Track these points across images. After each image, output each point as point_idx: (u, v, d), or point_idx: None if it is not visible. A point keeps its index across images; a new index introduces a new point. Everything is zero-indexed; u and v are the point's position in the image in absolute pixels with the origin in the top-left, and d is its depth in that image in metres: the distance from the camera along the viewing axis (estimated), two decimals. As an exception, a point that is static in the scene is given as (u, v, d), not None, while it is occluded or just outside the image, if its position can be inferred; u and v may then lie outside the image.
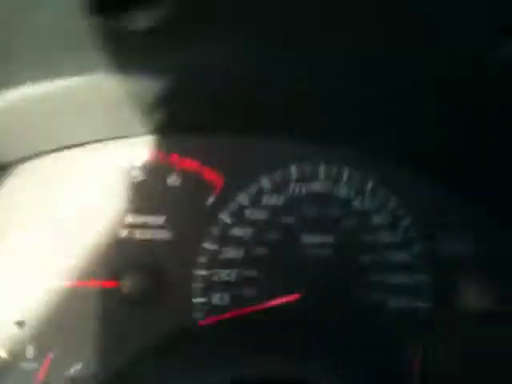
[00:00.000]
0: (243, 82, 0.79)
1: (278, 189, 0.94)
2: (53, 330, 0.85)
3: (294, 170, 0.95)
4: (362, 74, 0.76)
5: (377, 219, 0.96)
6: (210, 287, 0.90)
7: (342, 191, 0.96)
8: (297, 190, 0.95)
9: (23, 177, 0.88)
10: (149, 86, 0.75)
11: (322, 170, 0.96)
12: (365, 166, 0.97)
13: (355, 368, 0.75)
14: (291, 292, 0.90)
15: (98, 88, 0.74)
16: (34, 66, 0.69)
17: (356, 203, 0.97)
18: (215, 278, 0.90)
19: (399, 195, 0.97)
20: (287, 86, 0.81)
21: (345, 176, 0.97)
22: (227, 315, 0.89)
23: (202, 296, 0.90)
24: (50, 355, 0.84)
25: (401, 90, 0.78)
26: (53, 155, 0.89)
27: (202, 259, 0.90)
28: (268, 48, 0.71)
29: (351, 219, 0.95)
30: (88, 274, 0.87)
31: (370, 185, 0.97)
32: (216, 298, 0.90)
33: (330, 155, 0.97)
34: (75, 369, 0.84)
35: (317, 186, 0.96)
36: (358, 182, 0.97)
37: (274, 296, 0.90)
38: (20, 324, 0.83)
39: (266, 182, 0.94)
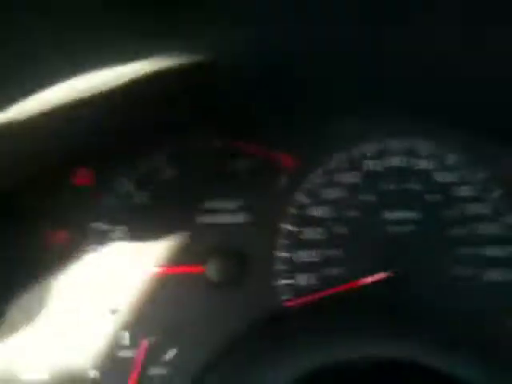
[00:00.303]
0: (316, 57, 0.78)
1: (354, 166, 0.92)
2: (146, 317, 0.86)
3: (367, 145, 0.93)
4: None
5: (463, 192, 0.92)
6: (293, 269, 0.88)
7: (422, 164, 0.93)
8: (374, 166, 0.92)
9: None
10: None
11: (399, 144, 0.93)
12: (444, 138, 0.94)
13: (454, 346, 0.71)
14: (378, 270, 0.87)
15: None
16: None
17: (438, 176, 0.93)
18: (298, 260, 0.89)
19: (486, 166, 0.93)
20: (362, 60, 0.79)
21: (424, 149, 0.93)
22: (314, 296, 0.86)
23: (286, 278, 0.88)
24: (145, 342, 0.85)
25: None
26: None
27: (283, 241, 0.89)
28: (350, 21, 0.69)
29: (435, 193, 0.91)
30: (175, 260, 0.87)
31: (452, 157, 0.93)
32: (301, 279, 0.88)
33: (407, 129, 0.94)
34: (170, 354, 0.85)
35: (395, 161, 0.93)
36: (437, 156, 0.93)
37: (360, 275, 0.87)
38: (114, 312, 0.85)
39: (341, 160, 0.92)
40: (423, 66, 0.80)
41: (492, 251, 0.90)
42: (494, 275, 0.89)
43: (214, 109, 0.87)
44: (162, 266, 0.86)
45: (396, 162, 0.93)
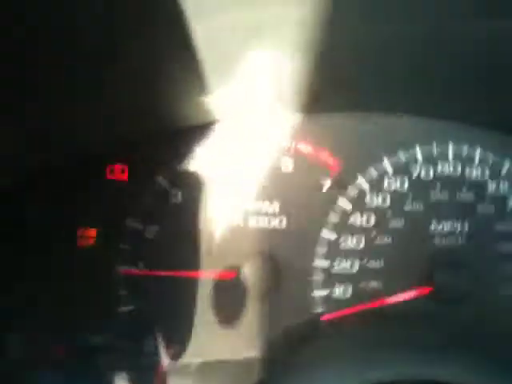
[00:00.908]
0: (365, 57, 0.71)
1: (401, 172, 0.86)
2: (172, 322, 0.83)
3: (419, 150, 0.86)
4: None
5: None
6: (330, 279, 0.84)
7: (475, 173, 0.86)
8: (423, 173, 0.86)
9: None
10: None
11: (451, 150, 0.87)
12: (500, 145, 0.87)
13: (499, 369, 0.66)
14: (420, 285, 0.83)
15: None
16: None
17: (491, 186, 0.86)
18: (336, 270, 0.84)
19: None
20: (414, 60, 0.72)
21: (477, 157, 0.87)
22: (351, 310, 0.82)
23: (323, 288, 0.84)
24: (170, 347, 0.82)
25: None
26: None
27: (321, 249, 0.84)
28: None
29: (487, 204, 0.85)
30: (206, 264, 0.83)
31: (506, 166, 0.86)
32: (338, 291, 0.84)
33: (460, 134, 0.87)
34: (196, 362, 0.82)
35: (446, 169, 0.86)
36: (492, 164, 0.87)
37: (400, 289, 0.83)
38: (140, 316, 0.82)
39: (387, 165, 0.86)
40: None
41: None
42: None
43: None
44: (193, 268, 0.83)
45: (447, 169, 0.86)
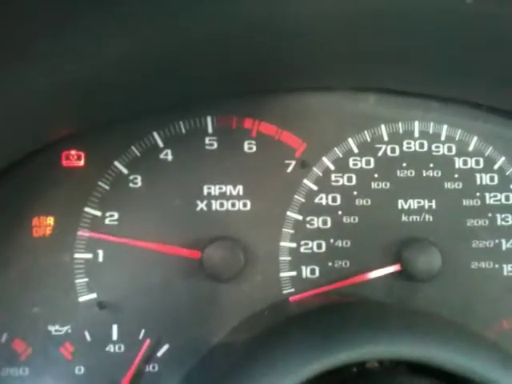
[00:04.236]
0: (331, 34, 0.69)
1: (367, 151, 0.85)
2: (137, 310, 0.80)
3: (384, 129, 0.85)
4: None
5: (484, 180, 0.85)
6: (298, 260, 0.82)
7: (442, 150, 0.85)
8: (389, 152, 0.85)
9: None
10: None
11: (417, 127, 0.85)
12: (468, 121, 0.86)
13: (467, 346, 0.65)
14: (388, 264, 0.81)
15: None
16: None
17: (459, 163, 0.85)
18: (303, 250, 0.83)
19: (507, 154, 0.86)
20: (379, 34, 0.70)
21: (444, 133, 0.86)
22: (319, 290, 0.81)
23: (290, 269, 0.82)
24: (137, 337, 0.79)
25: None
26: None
27: (287, 230, 0.83)
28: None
29: (454, 181, 0.84)
30: (168, 249, 0.81)
31: (474, 142, 0.86)
32: (306, 272, 0.82)
33: (426, 111, 0.86)
34: (163, 350, 0.80)
35: (412, 146, 0.85)
36: (460, 140, 0.86)
37: (368, 268, 0.82)
38: (102, 305, 0.79)
39: (352, 144, 0.85)
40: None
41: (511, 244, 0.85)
42: (512, 268, 0.84)
43: (219, 82, 0.80)
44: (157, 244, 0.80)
45: (414, 147, 0.85)
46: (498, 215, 0.85)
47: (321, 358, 0.55)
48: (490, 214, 0.85)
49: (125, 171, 0.81)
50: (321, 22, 0.64)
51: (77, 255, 0.80)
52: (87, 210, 0.80)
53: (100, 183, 0.81)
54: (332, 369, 0.56)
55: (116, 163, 0.81)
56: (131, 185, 0.81)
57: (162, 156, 0.82)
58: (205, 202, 0.82)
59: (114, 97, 0.76)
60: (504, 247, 0.85)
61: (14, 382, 0.78)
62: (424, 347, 0.58)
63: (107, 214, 0.81)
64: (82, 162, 0.81)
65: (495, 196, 0.85)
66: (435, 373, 0.60)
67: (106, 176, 0.81)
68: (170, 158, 0.82)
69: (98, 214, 0.80)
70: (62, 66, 0.62)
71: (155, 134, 0.82)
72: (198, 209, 0.82)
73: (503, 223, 0.85)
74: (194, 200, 0.82)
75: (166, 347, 0.80)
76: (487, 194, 0.85)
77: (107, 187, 0.81)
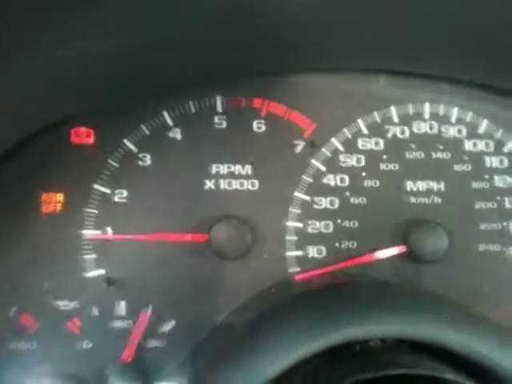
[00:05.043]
0: (339, 16, 0.68)
1: (376, 132, 0.84)
2: (145, 287, 0.81)
3: (394, 110, 0.85)
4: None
5: (493, 163, 0.85)
6: (304, 239, 0.83)
7: (452, 132, 0.85)
8: (399, 133, 0.85)
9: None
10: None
11: (427, 109, 0.85)
12: (478, 104, 0.85)
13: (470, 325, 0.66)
14: (395, 245, 0.82)
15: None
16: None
17: (468, 145, 0.85)
18: (310, 230, 0.83)
19: None
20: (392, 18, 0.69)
21: (454, 116, 0.85)
22: (325, 270, 0.81)
23: (297, 249, 0.83)
24: (143, 313, 0.80)
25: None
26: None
27: (295, 210, 0.83)
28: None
29: (463, 163, 0.84)
30: (177, 227, 0.81)
31: (484, 125, 0.85)
32: (312, 252, 0.83)
33: (436, 93, 0.85)
34: (170, 326, 0.81)
35: (422, 128, 0.85)
36: (469, 123, 0.85)
37: (375, 249, 0.82)
38: (110, 281, 0.80)
39: (362, 125, 0.84)
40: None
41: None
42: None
43: (229, 63, 0.79)
44: (163, 233, 0.81)
45: (424, 128, 0.85)
46: (507, 198, 0.85)
47: (324, 335, 0.56)
48: (498, 197, 0.85)
49: (134, 149, 0.82)
50: (328, 3, 0.64)
51: (85, 231, 0.81)
52: (96, 187, 0.81)
53: (109, 161, 0.81)
54: (335, 346, 0.57)
55: (125, 141, 0.81)
56: (140, 163, 0.82)
57: (171, 135, 0.82)
58: (213, 180, 0.83)
59: (126, 77, 0.76)
60: (509, 230, 0.85)
61: (23, 355, 0.79)
62: (426, 327, 0.58)
63: (116, 192, 0.81)
64: (91, 140, 0.81)
65: (504, 179, 0.85)
66: (437, 351, 0.60)
67: (116, 154, 0.81)
68: (179, 136, 0.82)
69: (107, 191, 0.81)
70: (75, 45, 0.62)
71: (165, 113, 0.82)
72: (207, 187, 0.82)
73: (509, 206, 0.85)
74: (202, 179, 0.82)
75: (172, 323, 0.81)
76: (496, 177, 0.85)
77: (116, 165, 0.81)
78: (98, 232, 0.81)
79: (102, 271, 0.81)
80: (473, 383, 0.55)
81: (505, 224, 0.85)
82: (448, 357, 0.59)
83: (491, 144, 0.85)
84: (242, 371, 0.54)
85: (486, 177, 0.85)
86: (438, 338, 0.58)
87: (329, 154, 0.84)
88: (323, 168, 0.84)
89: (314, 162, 0.83)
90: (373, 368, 0.56)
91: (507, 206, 0.85)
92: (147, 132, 0.82)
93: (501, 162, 0.85)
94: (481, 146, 0.85)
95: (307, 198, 0.83)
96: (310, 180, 0.83)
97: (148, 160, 0.82)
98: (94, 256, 0.81)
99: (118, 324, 0.81)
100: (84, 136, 0.81)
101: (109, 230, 0.81)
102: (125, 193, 0.81)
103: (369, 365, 0.58)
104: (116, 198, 0.81)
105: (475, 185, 0.85)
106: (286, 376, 0.55)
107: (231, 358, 0.58)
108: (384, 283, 0.79)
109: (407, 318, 0.59)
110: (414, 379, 0.56)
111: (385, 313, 0.60)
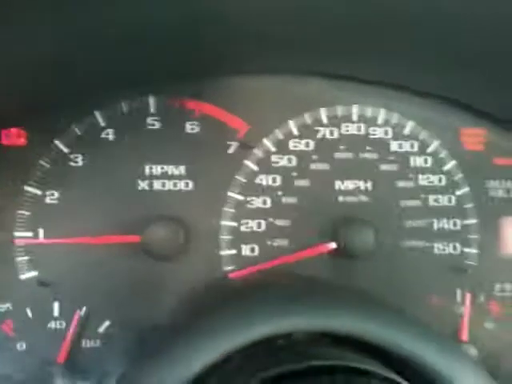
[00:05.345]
0: (274, 18, 0.70)
1: (306, 133, 0.87)
2: (79, 288, 0.82)
3: (323, 112, 0.88)
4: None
5: (418, 162, 0.89)
6: (238, 238, 0.85)
7: (379, 134, 0.89)
8: (328, 134, 0.88)
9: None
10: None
11: (355, 111, 0.89)
12: (404, 106, 0.90)
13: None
14: (325, 242, 0.85)
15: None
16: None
17: (394, 146, 0.89)
18: (243, 229, 0.85)
19: (442, 138, 0.90)
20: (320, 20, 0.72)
21: (381, 117, 0.89)
22: (258, 267, 0.84)
23: (231, 247, 0.85)
24: (78, 313, 0.81)
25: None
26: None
27: (228, 209, 0.85)
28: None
29: (389, 163, 0.88)
30: (110, 228, 0.82)
31: (409, 127, 0.89)
32: (246, 250, 0.85)
33: (364, 96, 0.89)
34: (104, 326, 0.82)
35: (350, 129, 0.88)
36: (396, 124, 0.90)
37: (306, 247, 0.85)
38: (43, 283, 0.80)
39: (293, 127, 0.87)
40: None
41: (443, 224, 0.90)
42: (444, 248, 0.89)
43: (163, 64, 0.80)
44: (96, 235, 0.81)
45: (352, 130, 0.88)
46: (430, 196, 0.90)
47: (243, 330, 0.58)
48: (422, 195, 0.89)
49: (65, 150, 0.82)
50: (261, 9, 0.66)
51: (17, 234, 0.80)
52: (27, 188, 0.81)
53: (41, 162, 0.81)
54: (258, 341, 0.59)
55: (57, 142, 0.81)
56: (72, 164, 0.82)
57: (103, 135, 0.83)
58: (146, 181, 0.84)
59: (55, 77, 0.76)
60: (435, 227, 0.90)
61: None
62: (345, 319, 0.61)
63: (47, 193, 0.81)
64: (22, 141, 0.81)
65: (428, 178, 0.90)
66: (360, 345, 0.63)
67: (47, 155, 0.81)
68: (111, 137, 0.83)
69: (39, 192, 0.81)
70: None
71: (97, 114, 0.83)
72: (140, 188, 0.83)
73: (435, 204, 0.90)
74: (136, 179, 0.83)
75: (107, 323, 0.82)
76: (420, 176, 0.89)
77: (48, 166, 0.81)
78: (30, 234, 0.80)
79: (34, 273, 0.81)
80: (394, 374, 0.58)
81: (429, 221, 0.90)
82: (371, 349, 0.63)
83: (416, 145, 0.90)
84: (161, 369, 0.56)
85: (411, 176, 0.89)
86: (358, 330, 0.61)
87: (261, 155, 0.86)
88: (256, 168, 0.86)
89: (246, 162, 0.86)
90: (290, 362, 0.58)
91: (431, 203, 0.90)
92: (79, 132, 0.82)
93: (425, 161, 0.90)
94: (406, 146, 0.89)
95: (241, 197, 0.86)
96: (244, 180, 0.86)
97: (80, 161, 0.82)
98: (26, 258, 0.80)
99: (52, 325, 0.81)
100: (15, 137, 0.80)
101: (41, 231, 0.81)
102: (56, 194, 0.81)
103: (287, 358, 0.60)
104: (47, 200, 0.81)
105: (401, 184, 0.89)
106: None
107: (153, 356, 0.59)
108: (310, 278, 0.83)
109: (326, 311, 0.62)
110: (332, 371, 0.58)
111: (304, 306, 0.63)
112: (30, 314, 0.81)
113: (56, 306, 0.81)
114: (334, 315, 0.62)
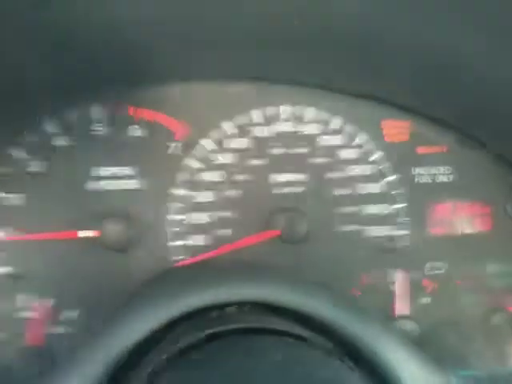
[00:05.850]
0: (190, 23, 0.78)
1: (240, 133, 0.97)
2: (46, 280, 0.90)
3: (254, 113, 0.97)
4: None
5: (345, 154, 0.98)
6: (186, 230, 0.94)
7: (307, 130, 0.98)
8: (260, 133, 0.97)
9: None
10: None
11: (284, 111, 0.98)
12: (331, 104, 0.99)
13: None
14: (265, 230, 0.94)
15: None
16: None
17: (322, 140, 0.98)
18: (189, 221, 0.94)
19: (367, 131, 0.99)
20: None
21: (309, 115, 0.99)
22: (204, 256, 0.93)
23: (179, 239, 0.94)
24: (46, 303, 0.90)
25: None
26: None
27: (174, 204, 0.94)
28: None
29: (318, 156, 0.98)
30: (70, 226, 0.90)
31: (335, 122, 0.99)
32: (192, 241, 0.94)
33: (291, 95, 0.98)
34: (65, 316, 0.90)
35: (281, 127, 0.98)
36: (323, 121, 0.99)
37: (248, 235, 0.94)
38: (12, 276, 0.89)
39: (227, 127, 0.96)
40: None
41: (373, 209, 0.99)
42: (375, 231, 0.98)
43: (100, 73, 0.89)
44: (55, 229, 0.90)
45: (283, 127, 0.98)
46: (360, 185, 0.99)
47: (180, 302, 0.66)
48: (352, 184, 0.98)
49: (18, 156, 0.90)
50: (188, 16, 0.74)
51: None
52: None
53: (1, 166, 0.89)
54: (192, 315, 0.66)
55: (11, 148, 0.90)
56: (28, 169, 0.90)
57: (53, 141, 0.91)
58: (97, 182, 0.92)
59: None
60: (364, 212, 0.99)
61: None
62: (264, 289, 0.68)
63: (5, 196, 0.90)
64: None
65: (356, 168, 0.99)
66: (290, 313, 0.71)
67: (2, 160, 0.89)
68: (60, 143, 0.91)
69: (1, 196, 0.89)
70: None
71: (46, 120, 0.91)
72: (91, 189, 0.92)
73: (363, 192, 0.99)
74: (87, 181, 0.92)
75: (75, 312, 0.91)
76: (348, 167, 0.99)
77: (4, 171, 0.89)
78: None
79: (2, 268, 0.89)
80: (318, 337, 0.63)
81: (359, 207, 0.99)
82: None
83: (343, 138, 0.99)
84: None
85: (341, 167, 0.99)
86: (281, 299, 0.68)
87: (201, 154, 0.95)
88: (197, 166, 0.95)
89: (187, 160, 0.95)
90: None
91: (360, 191, 0.99)
92: (31, 139, 0.91)
93: (352, 153, 0.99)
94: (334, 140, 0.99)
95: (185, 193, 0.94)
96: (186, 177, 0.95)
97: (32, 166, 0.91)
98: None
99: (21, 315, 0.89)
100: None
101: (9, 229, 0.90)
102: (15, 196, 0.90)
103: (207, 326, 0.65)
104: (7, 202, 0.90)
105: (331, 175, 0.98)
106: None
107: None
108: (250, 263, 0.91)
109: (250, 282, 0.69)
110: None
111: (236, 280, 0.70)
112: None
113: (24, 297, 0.90)
114: (258, 285, 0.69)
